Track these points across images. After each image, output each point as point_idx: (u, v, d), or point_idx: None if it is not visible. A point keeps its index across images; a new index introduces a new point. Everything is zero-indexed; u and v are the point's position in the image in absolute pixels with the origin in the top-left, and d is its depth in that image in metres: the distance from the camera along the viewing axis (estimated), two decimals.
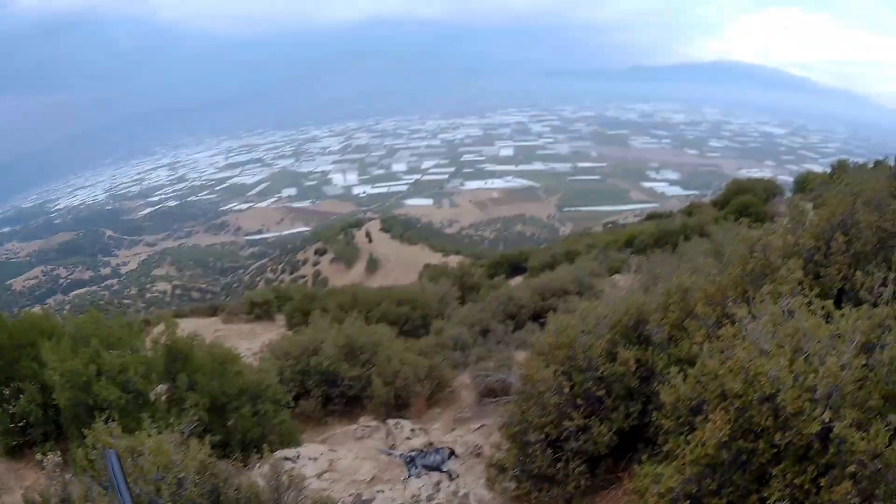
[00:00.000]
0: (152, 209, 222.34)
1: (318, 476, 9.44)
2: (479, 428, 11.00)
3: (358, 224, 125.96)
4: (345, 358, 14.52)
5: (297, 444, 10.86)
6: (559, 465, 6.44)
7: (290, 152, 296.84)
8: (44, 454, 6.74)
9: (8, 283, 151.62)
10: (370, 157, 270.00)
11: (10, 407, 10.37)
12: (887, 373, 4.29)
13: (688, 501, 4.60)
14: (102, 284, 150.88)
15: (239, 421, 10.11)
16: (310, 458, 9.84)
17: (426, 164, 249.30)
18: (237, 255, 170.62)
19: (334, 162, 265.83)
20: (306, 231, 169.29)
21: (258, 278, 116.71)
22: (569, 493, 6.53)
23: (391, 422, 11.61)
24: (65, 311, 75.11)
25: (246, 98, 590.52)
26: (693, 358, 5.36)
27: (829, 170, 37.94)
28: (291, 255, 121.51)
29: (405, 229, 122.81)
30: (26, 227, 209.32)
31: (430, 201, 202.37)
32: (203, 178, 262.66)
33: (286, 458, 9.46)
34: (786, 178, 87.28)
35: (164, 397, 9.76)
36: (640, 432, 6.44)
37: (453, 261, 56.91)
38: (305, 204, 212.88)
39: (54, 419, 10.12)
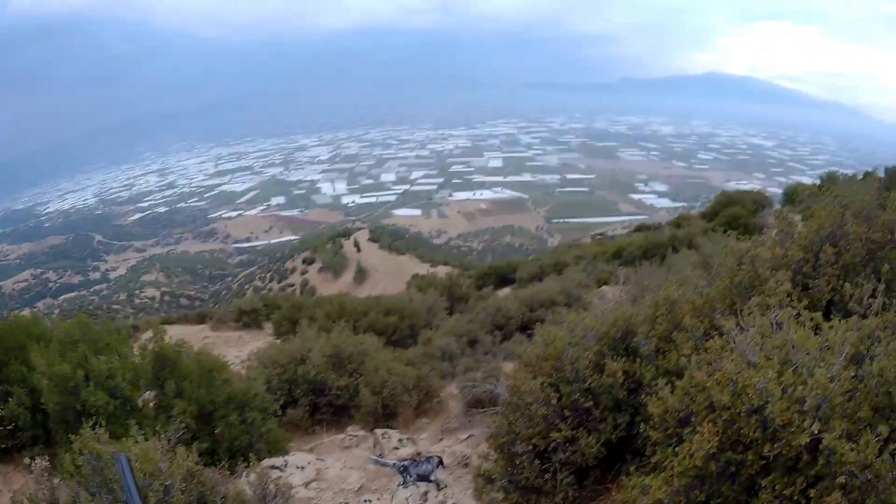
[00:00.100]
0: (142, 215, 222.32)
1: (306, 485, 9.42)
2: (466, 438, 10.99)
3: (346, 233, 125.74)
4: (332, 367, 14.51)
5: (285, 452, 10.83)
6: (547, 476, 6.42)
7: (279, 160, 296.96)
8: (32, 458, 6.69)
9: None
10: (359, 166, 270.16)
11: None
12: (877, 384, 4.30)
13: None
14: (92, 289, 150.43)
15: (226, 429, 10.09)
16: (297, 467, 9.82)
17: (415, 174, 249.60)
18: (226, 263, 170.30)
19: (323, 171, 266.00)
20: (295, 240, 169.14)
21: (246, 286, 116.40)
22: None
23: (379, 431, 11.59)
24: (54, 316, 75.04)
25: (236, 105, 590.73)
26: (681, 370, 5.35)
27: (818, 181, 38.07)
28: (280, 263, 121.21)
29: (393, 239, 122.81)
30: (16, 230, 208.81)
31: (418, 212, 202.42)
32: (192, 185, 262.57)
33: (273, 467, 9.45)
34: (775, 190, 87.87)
35: (151, 404, 9.74)
36: (628, 444, 6.43)
37: (441, 271, 56.93)
38: (294, 212, 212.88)
39: (43, 423, 10.10)
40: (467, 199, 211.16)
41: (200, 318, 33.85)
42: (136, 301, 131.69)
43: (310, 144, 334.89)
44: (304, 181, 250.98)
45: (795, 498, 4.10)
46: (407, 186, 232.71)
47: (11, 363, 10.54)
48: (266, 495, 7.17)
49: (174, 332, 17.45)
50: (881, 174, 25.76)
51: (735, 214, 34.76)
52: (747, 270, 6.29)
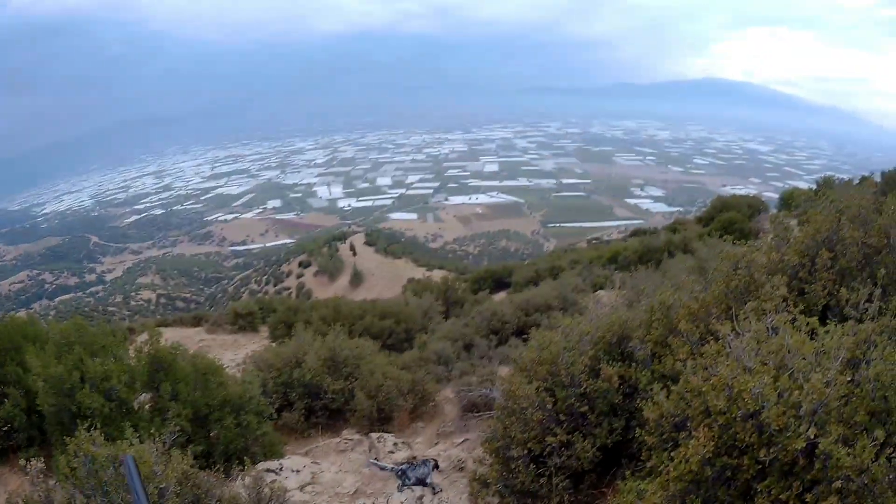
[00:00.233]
0: (138, 217, 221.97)
1: (301, 488, 9.40)
2: (462, 442, 10.98)
3: (342, 237, 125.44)
4: (328, 371, 14.49)
5: (280, 456, 10.82)
6: (542, 480, 6.42)
7: (275, 164, 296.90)
8: (27, 459, 6.69)
9: None
10: (355, 170, 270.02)
11: None
12: (873, 389, 4.30)
13: None
14: (87, 291, 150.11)
15: (222, 432, 10.06)
16: (292, 471, 9.80)
17: (411, 178, 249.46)
18: (221, 266, 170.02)
19: (319, 174, 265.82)
20: (291, 243, 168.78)
21: (242, 289, 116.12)
22: None
23: (374, 435, 11.58)
24: (50, 317, 74.78)
25: (232, 108, 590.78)
26: (676, 374, 5.35)
27: (814, 186, 38.03)
28: (275, 266, 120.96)
29: (389, 243, 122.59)
30: (13, 230, 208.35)
31: (414, 216, 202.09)
32: (189, 188, 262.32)
33: (269, 470, 9.43)
34: (771, 195, 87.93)
35: (147, 406, 9.72)
36: (623, 448, 6.43)
37: (437, 275, 56.84)
38: (290, 216, 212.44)
39: (38, 425, 10.09)
40: (463, 204, 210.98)
41: (196, 321, 33.78)
42: (132, 303, 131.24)
43: (306, 148, 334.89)
44: (301, 184, 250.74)
45: (791, 502, 4.10)
46: (403, 190, 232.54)
47: (7, 364, 10.55)
48: (261, 499, 7.16)
49: (170, 335, 17.46)
50: (877, 179, 25.79)
51: (731, 219, 34.73)
52: (743, 275, 6.30)
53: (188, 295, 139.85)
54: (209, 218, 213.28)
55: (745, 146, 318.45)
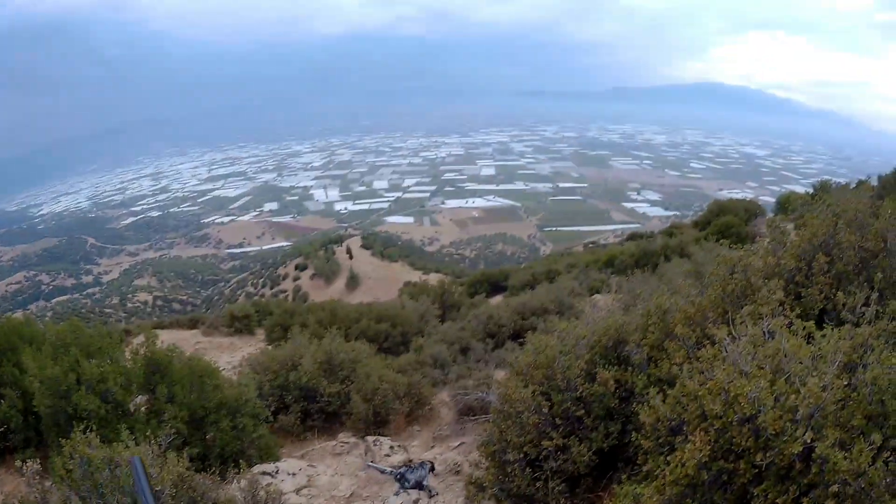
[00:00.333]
0: (135, 219, 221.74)
1: (297, 491, 9.40)
2: (458, 446, 10.97)
3: (339, 240, 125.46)
4: (324, 374, 14.48)
5: (276, 459, 10.81)
6: (538, 484, 6.41)
7: (272, 166, 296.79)
8: (24, 461, 6.68)
9: None
10: (352, 173, 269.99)
11: None
12: (870, 393, 4.30)
13: None
14: (84, 292, 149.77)
15: (217, 434, 10.04)
16: (288, 474, 9.80)
17: (407, 181, 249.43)
18: (218, 268, 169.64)
19: (316, 177, 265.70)
20: (287, 246, 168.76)
21: (239, 292, 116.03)
22: None
23: (370, 438, 11.56)
24: (47, 318, 74.78)
25: (230, 110, 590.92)
26: (673, 379, 5.35)
27: (811, 190, 38.05)
28: (272, 269, 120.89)
29: (386, 246, 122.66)
30: (9, 231, 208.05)
31: (410, 219, 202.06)
32: (186, 190, 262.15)
33: (265, 473, 9.42)
34: (767, 199, 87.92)
35: (143, 408, 9.71)
36: (619, 452, 6.43)
37: (433, 279, 56.93)
38: (287, 219, 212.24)
39: (35, 426, 10.08)
40: (460, 207, 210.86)
41: (192, 324, 33.74)
42: (129, 305, 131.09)
43: (303, 151, 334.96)
44: (297, 187, 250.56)
45: None
46: (399, 194, 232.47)
47: (4, 365, 10.54)
48: (257, 502, 7.15)
49: (166, 337, 17.42)
50: (874, 183, 25.80)
51: (727, 223, 34.75)
52: (739, 279, 6.31)
53: (185, 297, 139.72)
54: (206, 220, 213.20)
55: (741, 150, 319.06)
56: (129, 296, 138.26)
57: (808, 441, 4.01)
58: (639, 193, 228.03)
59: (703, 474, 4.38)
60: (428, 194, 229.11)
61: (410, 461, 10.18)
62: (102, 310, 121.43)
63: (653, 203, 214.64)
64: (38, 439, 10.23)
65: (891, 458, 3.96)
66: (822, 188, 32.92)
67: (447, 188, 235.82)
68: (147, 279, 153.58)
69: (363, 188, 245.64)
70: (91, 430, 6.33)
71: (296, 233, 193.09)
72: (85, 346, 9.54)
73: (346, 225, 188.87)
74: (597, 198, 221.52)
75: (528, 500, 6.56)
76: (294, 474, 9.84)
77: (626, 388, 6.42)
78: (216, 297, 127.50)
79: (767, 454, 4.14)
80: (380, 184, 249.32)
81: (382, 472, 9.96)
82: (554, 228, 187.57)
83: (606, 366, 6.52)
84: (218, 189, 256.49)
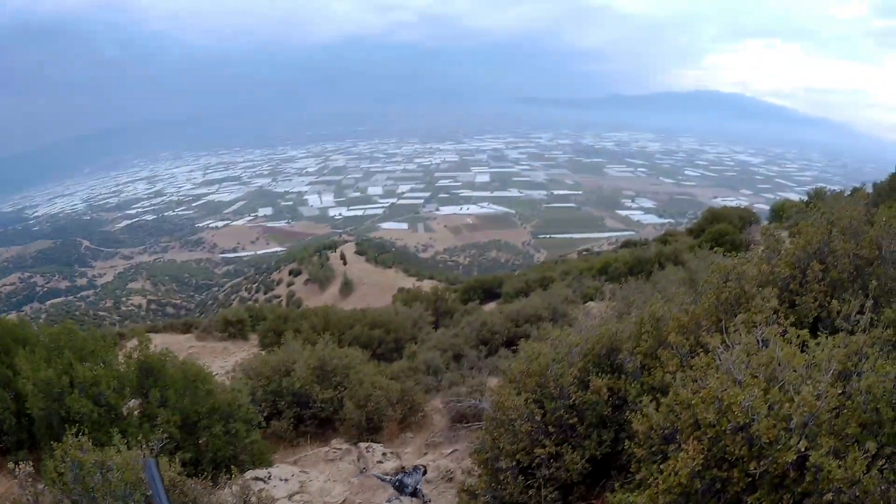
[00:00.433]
0: (129, 222, 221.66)
1: (289, 497, 9.36)
2: (451, 453, 10.95)
3: (333, 246, 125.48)
4: (317, 380, 14.44)
5: (269, 464, 10.76)
6: (531, 492, 6.39)
7: (267, 171, 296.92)
8: (16, 463, 6.65)
9: None
10: (346, 179, 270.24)
11: None
12: (864, 401, 4.28)
13: None
14: (78, 295, 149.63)
15: (210, 439, 10.01)
16: (281, 479, 9.76)
17: (402, 188, 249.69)
18: (212, 273, 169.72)
19: (311, 183, 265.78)
20: (281, 251, 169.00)
21: (232, 297, 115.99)
22: None
23: (363, 445, 11.53)
24: (41, 320, 74.72)
25: (225, 114, 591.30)
26: (666, 387, 5.33)
27: (805, 198, 38.08)
28: (266, 274, 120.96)
29: (380, 252, 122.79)
30: (5, 232, 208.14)
31: (405, 225, 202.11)
32: (180, 194, 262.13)
33: (257, 479, 9.38)
34: (762, 207, 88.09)
35: (136, 412, 9.68)
36: (612, 460, 6.41)
37: (427, 285, 56.83)
38: (281, 224, 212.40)
39: (28, 428, 10.05)
40: (454, 214, 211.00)
41: (186, 328, 33.74)
42: (123, 308, 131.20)
43: (298, 156, 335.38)
44: (292, 192, 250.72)
45: None
46: (394, 200, 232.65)
47: None
48: None
49: (159, 341, 17.43)
50: (869, 190, 25.81)
51: (722, 231, 34.78)
52: (733, 287, 6.30)
53: (178, 301, 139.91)
54: (200, 224, 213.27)
55: (736, 158, 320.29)
56: (123, 299, 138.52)
57: (803, 449, 4.00)
58: (633, 201, 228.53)
59: (696, 483, 4.36)
60: (422, 200, 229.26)
61: (403, 468, 10.15)
62: (96, 313, 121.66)
63: (647, 210, 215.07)
64: (31, 441, 10.20)
65: (885, 466, 3.95)
66: (817, 196, 32.97)
67: (441, 195, 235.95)
68: (141, 283, 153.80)
69: (358, 194, 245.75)
70: (83, 434, 6.32)
71: (290, 238, 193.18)
72: (78, 349, 9.53)
73: (340, 231, 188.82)
74: (591, 205, 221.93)
75: None
76: (286, 480, 9.80)
77: (620, 396, 6.40)
78: (210, 302, 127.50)
79: (761, 463, 4.13)
80: (374, 190, 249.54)
81: (382, 479, 9.93)
82: (548, 235, 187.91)
83: (600, 374, 6.50)
84: (213, 193, 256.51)
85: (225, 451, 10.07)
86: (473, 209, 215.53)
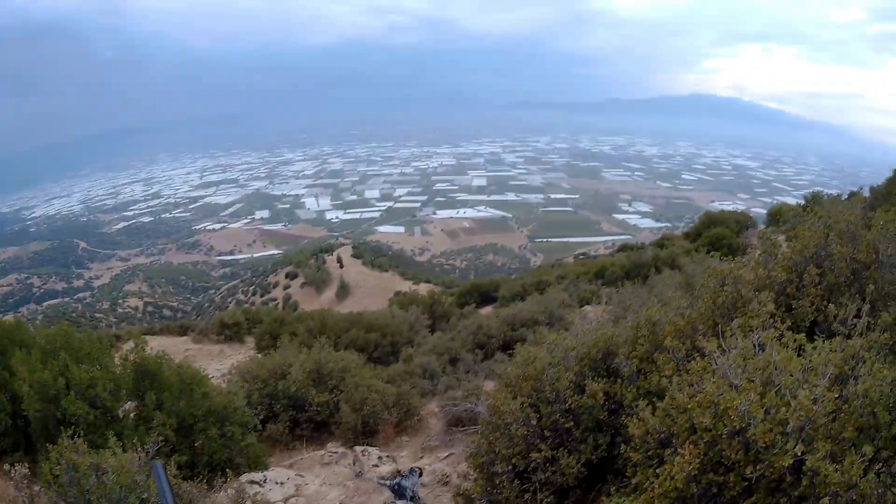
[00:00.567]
0: (126, 224, 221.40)
1: (285, 500, 9.35)
2: (446, 457, 10.94)
3: (329, 249, 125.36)
4: (313, 383, 14.45)
5: (264, 467, 10.76)
6: (527, 496, 6.37)
7: (264, 174, 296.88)
8: (12, 464, 6.64)
9: None
10: (343, 182, 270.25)
11: None
12: (861, 405, 4.28)
13: None
14: (75, 296, 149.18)
15: (206, 442, 9.99)
16: (276, 483, 9.75)
17: (399, 191, 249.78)
18: (209, 275, 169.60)
19: (308, 186, 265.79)
20: (278, 254, 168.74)
21: (229, 299, 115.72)
22: None
23: (359, 448, 11.51)
24: (37, 322, 74.61)
25: (222, 117, 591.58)
26: (662, 391, 5.33)
27: (802, 202, 38.08)
28: (262, 277, 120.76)
29: (376, 256, 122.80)
30: (2, 233, 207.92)
31: (401, 229, 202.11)
32: (177, 196, 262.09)
33: (252, 482, 9.37)
34: (759, 211, 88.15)
35: (132, 415, 9.67)
36: (608, 464, 6.39)
37: (423, 289, 56.90)
38: (278, 227, 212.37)
39: (24, 429, 10.01)
40: (451, 218, 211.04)
41: (182, 330, 33.75)
42: (119, 310, 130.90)
43: (295, 159, 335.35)
44: (289, 195, 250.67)
45: None
46: (391, 203, 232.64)
47: None
48: None
49: (156, 344, 17.39)
50: (866, 194, 25.83)
51: (719, 235, 34.81)
52: (730, 291, 6.29)
53: (175, 304, 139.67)
54: (197, 227, 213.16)
55: (733, 162, 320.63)
56: (120, 301, 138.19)
57: (799, 454, 3.99)
58: (630, 205, 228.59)
59: (692, 487, 4.35)
60: (419, 204, 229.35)
61: (399, 471, 10.14)
62: (93, 314, 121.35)
63: (644, 214, 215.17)
64: (27, 443, 10.16)
65: (882, 470, 3.95)
66: (814, 200, 32.94)
67: (438, 198, 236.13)
68: (138, 285, 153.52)
69: (354, 197, 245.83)
70: (79, 436, 6.31)
71: (287, 241, 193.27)
72: (75, 351, 9.51)
73: (337, 234, 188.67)
74: (588, 209, 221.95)
75: None
76: (282, 483, 9.79)
77: (616, 401, 6.39)
78: (206, 305, 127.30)
79: (757, 467, 4.12)
80: (371, 193, 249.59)
81: (382, 483, 9.91)
82: (545, 239, 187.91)
83: (596, 378, 6.49)
84: (209, 196, 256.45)
85: (221, 455, 10.06)
86: (470, 213, 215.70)
